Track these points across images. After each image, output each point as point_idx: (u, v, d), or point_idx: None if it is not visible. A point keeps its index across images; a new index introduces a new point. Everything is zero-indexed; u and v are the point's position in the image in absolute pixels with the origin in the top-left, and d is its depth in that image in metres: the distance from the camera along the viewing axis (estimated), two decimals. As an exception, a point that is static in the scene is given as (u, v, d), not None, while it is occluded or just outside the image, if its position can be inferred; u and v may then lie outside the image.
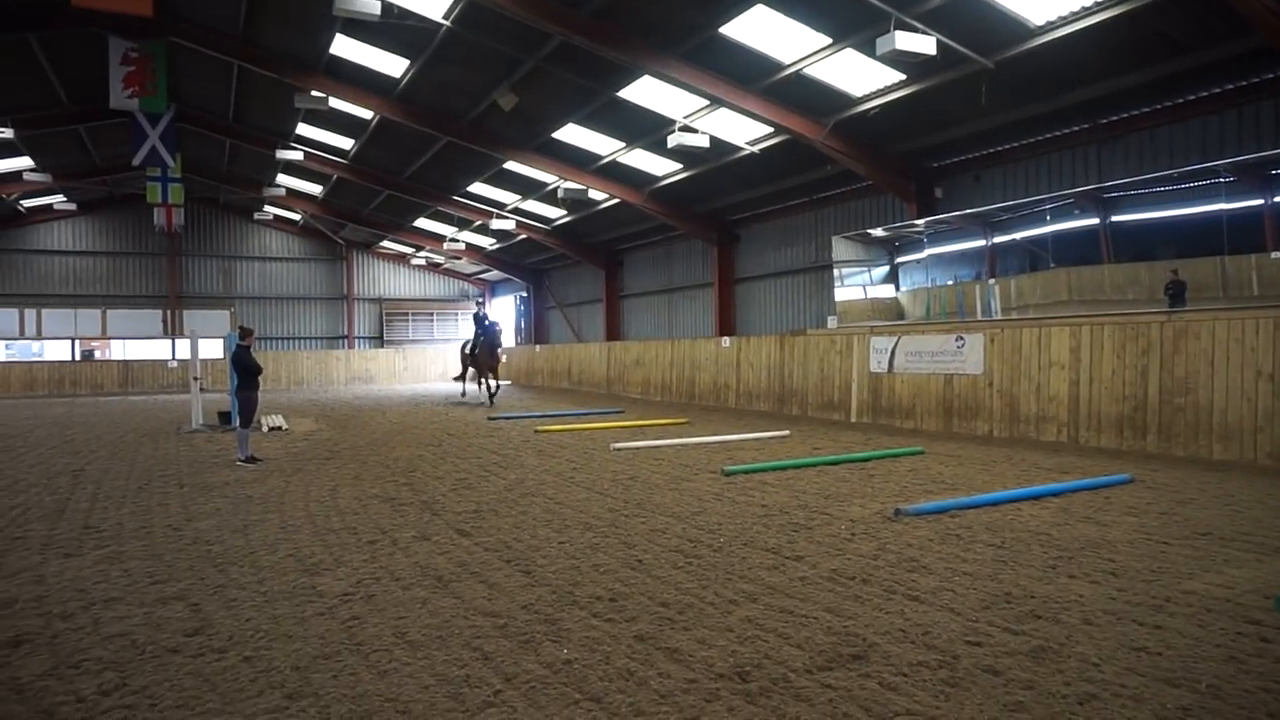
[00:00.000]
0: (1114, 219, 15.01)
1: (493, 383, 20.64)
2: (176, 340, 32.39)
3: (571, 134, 21.41)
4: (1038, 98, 14.46)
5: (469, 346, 21.60)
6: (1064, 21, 12.30)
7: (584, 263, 32.92)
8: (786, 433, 12.93)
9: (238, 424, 11.39)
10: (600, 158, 22.53)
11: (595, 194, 24.79)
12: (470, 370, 22.09)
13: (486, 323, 20.87)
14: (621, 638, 4.09)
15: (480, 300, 24.49)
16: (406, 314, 41.03)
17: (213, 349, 18.73)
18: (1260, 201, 12.74)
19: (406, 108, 21.10)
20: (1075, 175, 15.37)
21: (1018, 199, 16.08)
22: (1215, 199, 13.37)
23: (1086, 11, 11.95)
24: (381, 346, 38.68)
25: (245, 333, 11.55)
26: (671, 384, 20.75)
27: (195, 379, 15.49)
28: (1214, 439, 9.43)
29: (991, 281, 17.23)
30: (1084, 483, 7.89)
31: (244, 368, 11.10)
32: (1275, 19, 10.26)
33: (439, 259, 39.62)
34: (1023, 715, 3.20)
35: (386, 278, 40.90)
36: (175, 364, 30.25)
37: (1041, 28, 12.62)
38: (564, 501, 7.63)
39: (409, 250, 38.73)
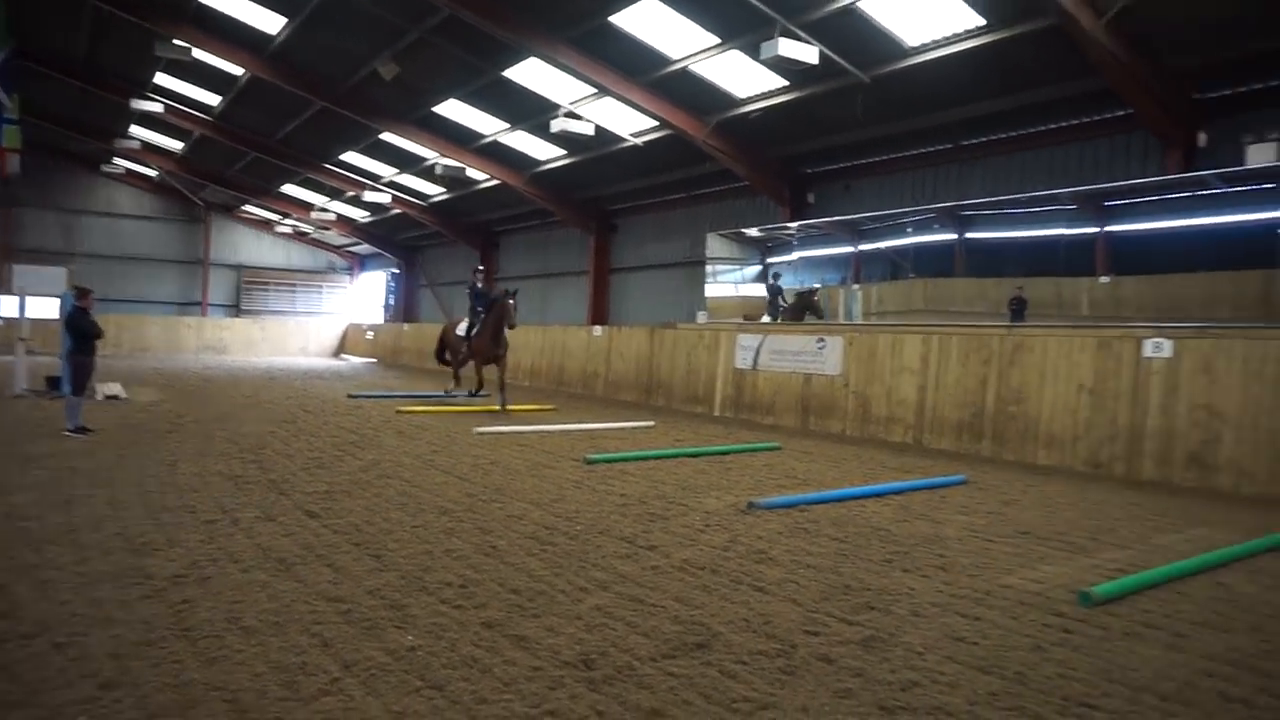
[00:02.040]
0: (969, 236, 15.97)
1: (494, 374, 14.93)
2: (2, 297, 29.76)
3: (454, 110, 20.94)
4: (908, 115, 15.18)
5: (467, 327, 15.39)
6: (936, 45, 12.95)
7: (460, 242, 32.29)
8: (651, 423, 13.11)
9: (68, 391, 10.57)
10: (482, 137, 22.14)
11: (475, 173, 24.35)
12: (456, 356, 16.26)
13: (491, 295, 15.40)
14: (469, 624, 4.05)
15: (479, 269, 16.45)
16: (267, 284, 39.10)
17: (46, 308, 17.09)
18: (1094, 229, 13.84)
19: (280, 67, 20.08)
20: (937, 192, 16.21)
21: (884, 210, 16.83)
22: (1057, 224, 14.44)
23: (956, 38, 12.62)
24: (238, 316, 36.70)
25: (82, 293, 10.73)
26: (541, 370, 20.65)
27: (21, 340, 14.27)
28: (1040, 445, 10.19)
29: (855, 287, 18.00)
30: (923, 482, 8.37)
31: (79, 331, 10.31)
32: (1116, 63, 11.12)
33: (306, 228, 37.97)
34: (850, 701, 3.36)
35: (248, 244, 38.85)
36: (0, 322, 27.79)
37: (915, 49, 13.24)
38: (421, 485, 7.48)
39: (274, 217, 36.92)
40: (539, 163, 22.96)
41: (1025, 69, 12.79)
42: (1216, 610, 4.67)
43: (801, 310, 16.72)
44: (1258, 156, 10.73)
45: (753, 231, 19.55)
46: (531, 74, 17.71)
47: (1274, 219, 11.63)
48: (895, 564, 5.39)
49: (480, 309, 15.10)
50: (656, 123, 18.17)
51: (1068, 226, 14.25)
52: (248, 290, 38.55)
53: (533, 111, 19.59)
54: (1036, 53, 12.26)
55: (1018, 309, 13.85)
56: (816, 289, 17.13)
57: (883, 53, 13.53)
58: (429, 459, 8.92)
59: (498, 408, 14.02)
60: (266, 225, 38.31)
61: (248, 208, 36.76)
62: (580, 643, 3.85)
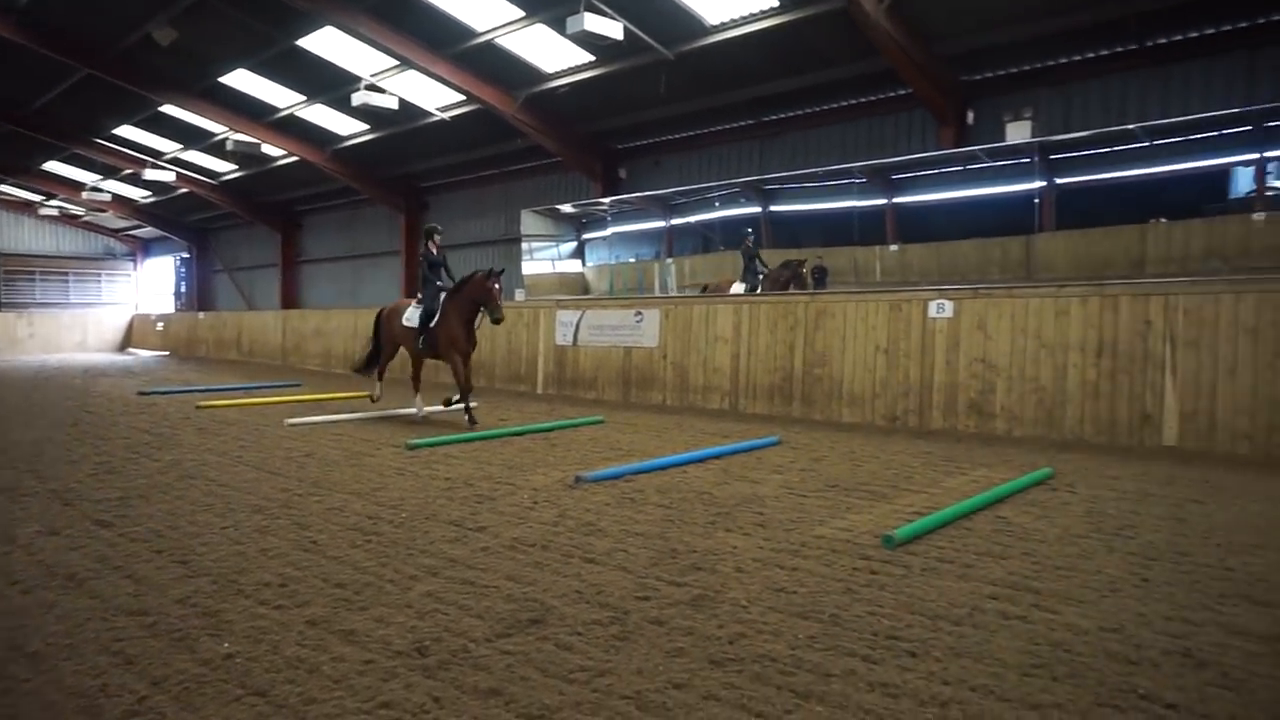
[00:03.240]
0: (773, 209, 16.75)
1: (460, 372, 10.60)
2: None
3: (243, 80, 19.52)
4: (711, 92, 15.67)
5: (422, 314, 10.80)
6: (735, 24, 13.41)
7: (258, 223, 30.28)
8: (474, 405, 12.92)
9: None
10: (276, 110, 20.79)
11: (271, 149, 22.86)
12: (383, 352, 11.82)
13: (444, 272, 10.91)
14: (292, 625, 3.86)
15: (435, 230, 11.21)
16: (33, 272, 35.12)
17: None
18: (883, 201, 14.90)
19: (32, 28, 17.89)
20: (741, 166, 16.87)
21: (692, 185, 17.34)
22: (851, 197, 15.43)
23: (754, 18, 13.12)
24: (-1, 309, 32.75)
25: None
26: (356, 356, 19.80)
27: None
28: (844, 404, 10.93)
29: (669, 260, 18.47)
30: (740, 445, 8.77)
31: None
32: (895, 46, 11.96)
33: (77, 210, 34.27)
34: (683, 659, 3.50)
35: (6, 229, 34.63)
36: None
37: (716, 26, 13.66)
38: (229, 483, 7.02)
39: (36, 198, 33.06)
40: (341, 138, 21.88)
41: (817, 49, 13.52)
42: (997, 541, 5.22)
43: (786, 281, 14.49)
44: (1015, 134, 11.92)
45: (567, 208, 19.60)
46: (328, 44, 16.80)
47: (1031, 190, 12.98)
48: (718, 525, 5.63)
49: (440, 285, 10.68)
50: (464, 97, 17.78)
51: (860, 199, 15.27)
52: (9, 281, 34.44)
53: (332, 84, 18.62)
54: (826, 34, 12.98)
55: (819, 277, 14.73)
56: (804, 260, 14.75)
57: (685, 30, 13.88)
58: (237, 455, 8.38)
59: (466, 419, 10.41)
60: (28, 207, 34.28)
61: (3, 188, 32.70)
62: (412, 631, 3.77)
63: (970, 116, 12.93)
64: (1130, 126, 11.75)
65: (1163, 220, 11.86)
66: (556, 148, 18.52)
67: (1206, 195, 11.94)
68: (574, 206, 19.51)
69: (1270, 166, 11.56)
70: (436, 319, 10.58)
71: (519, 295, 18.48)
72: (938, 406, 10.11)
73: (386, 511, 6.02)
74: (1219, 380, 8.31)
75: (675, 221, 18.57)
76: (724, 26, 13.56)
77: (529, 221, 19.74)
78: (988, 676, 3.28)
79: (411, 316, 10.98)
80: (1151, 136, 11.97)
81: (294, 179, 25.81)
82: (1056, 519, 5.81)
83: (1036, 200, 12.65)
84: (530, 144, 18.94)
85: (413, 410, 11.58)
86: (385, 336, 11.64)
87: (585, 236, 20.16)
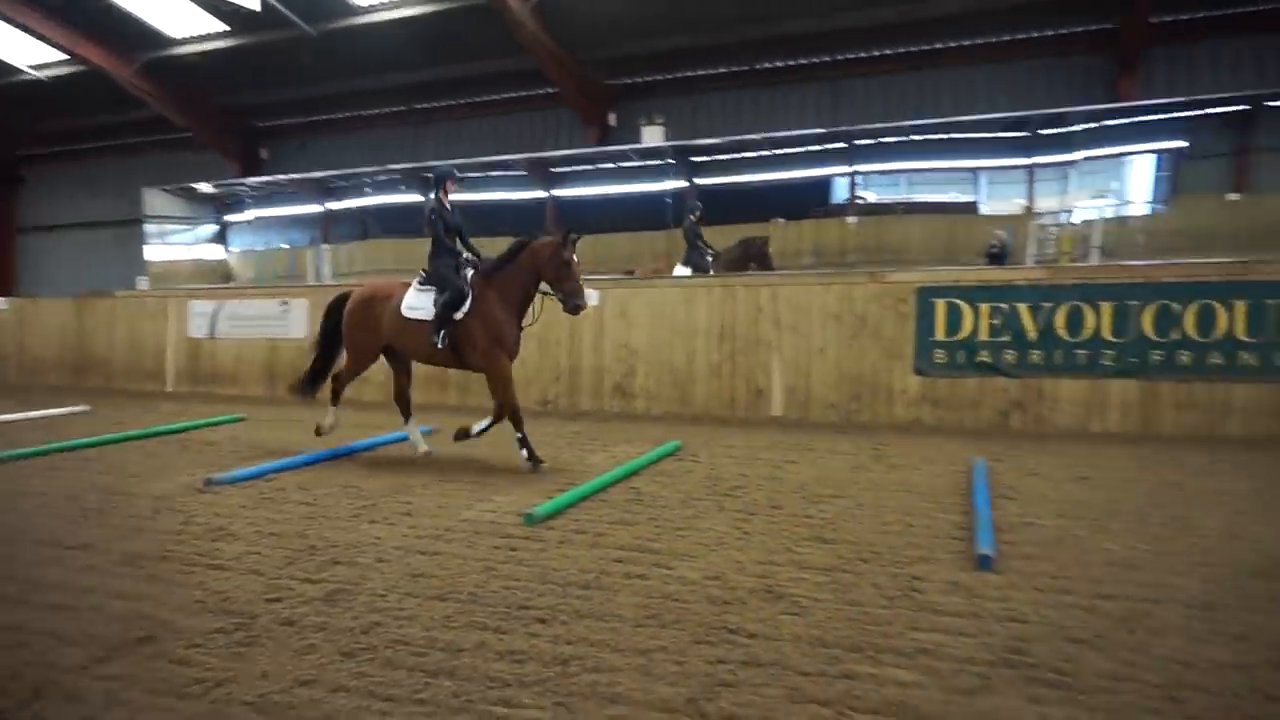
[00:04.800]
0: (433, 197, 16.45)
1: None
2: None
3: None
4: (362, 74, 15.13)
5: (445, 301, 7.24)
6: (382, 7, 13.07)
7: None
8: (87, 408, 11.33)
9: None
10: None
11: None
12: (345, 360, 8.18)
13: (462, 239, 7.60)
14: None
15: (451, 174, 7.58)
16: None
17: None
18: (544, 194, 15.36)
19: None
20: (397, 153, 16.48)
21: (346, 169, 16.59)
22: (511, 189, 15.72)
23: (400, 3, 12.87)
24: None
25: None
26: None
27: None
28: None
29: (325, 247, 17.53)
30: (395, 436, 8.62)
31: None
32: (541, 47, 12.42)
33: None
34: (313, 656, 3.42)
35: None
36: None
37: (363, 8, 13.21)
38: None
39: None
40: (-108, 91, 17.91)
41: (466, 42, 13.61)
42: (628, 510, 5.70)
43: (745, 261, 12.39)
44: (649, 137, 12.96)
45: (205, 188, 17.78)
46: None
47: (675, 189, 14.15)
48: (363, 517, 5.53)
49: (468, 260, 7.48)
50: (66, 55, 15.40)
51: (520, 191, 15.61)
52: None
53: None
54: (476, 27, 13.12)
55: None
56: (766, 238, 12.73)
57: (329, 7, 13.25)
58: None
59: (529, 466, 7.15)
60: None
61: None
62: (-15, 669, 3.28)
63: (612, 118, 13.81)
64: (749, 137, 13.31)
65: (781, 220, 13.58)
66: (185, 121, 16.74)
67: (815, 200, 13.88)
68: (215, 187, 17.75)
69: (859, 179, 13.74)
70: (468, 306, 7.24)
71: (142, 283, 16.45)
72: (586, 389, 10.73)
73: (-43, 537, 5.11)
74: (812, 359, 9.74)
75: (332, 206, 17.64)
76: (371, 9, 13.17)
77: (155, 201, 17.60)
78: (607, 632, 3.61)
79: (419, 304, 7.39)
80: (772, 146, 13.64)
81: None
82: (680, 485, 6.48)
83: (670, 200, 13.85)
84: (155, 114, 16.92)
85: (412, 442, 7.93)
86: (357, 338, 7.81)
87: (228, 219, 18.44)
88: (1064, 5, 12.04)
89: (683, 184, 13.92)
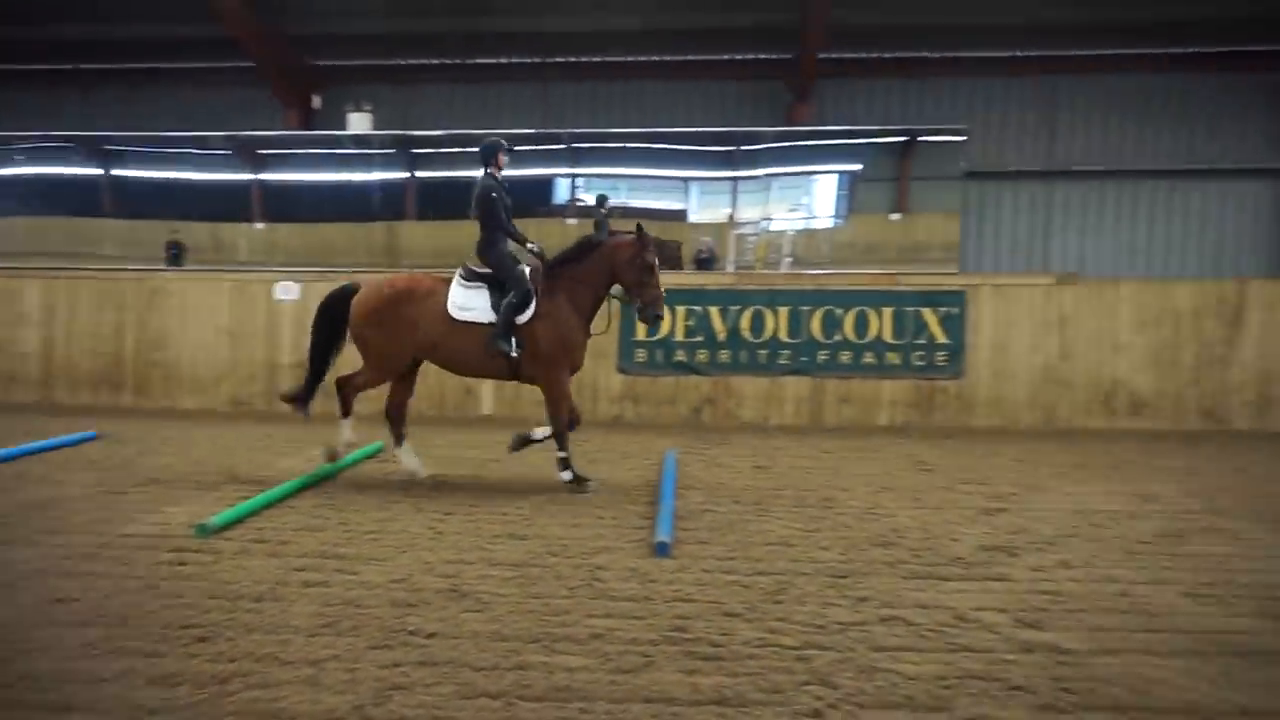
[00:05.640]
0: (116, 173, 14.50)
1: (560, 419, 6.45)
2: None
3: None
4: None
5: (511, 302, 6.12)
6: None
7: None
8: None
9: None
10: None
11: None
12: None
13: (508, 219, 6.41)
14: None
15: (501, 145, 6.42)
16: None
17: None
18: (251, 177, 14.03)
19: None
20: (61, 119, 14.38)
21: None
22: (212, 169, 14.19)
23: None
24: None
25: None
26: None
27: None
28: (185, 390, 10.21)
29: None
30: (44, 444, 7.56)
31: None
32: (235, 15, 11.48)
33: None
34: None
35: None
36: None
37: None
38: None
39: None
40: None
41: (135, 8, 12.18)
42: (317, 515, 5.46)
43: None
44: (356, 124, 12.43)
45: None
46: None
47: (397, 179, 13.58)
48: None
49: (533, 251, 6.44)
50: None
51: (223, 172, 14.19)
52: None
53: None
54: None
55: (175, 253, 13.39)
56: (679, 242, 12.52)
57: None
58: None
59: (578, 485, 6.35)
60: None
61: None
62: None
63: (317, 101, 13.06)
64: (462, 132, 13.17)
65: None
66: None
67: (538, 200, 13.97)
68: None
69: (580, 182, 14.07)
70: (539, 307, 6.23)
71: None
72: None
73: None
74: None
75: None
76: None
77: None
78: (276, 645, 3.43)
79: (472, 303, 6.25)
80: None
81: None
82: (378, 488, 6.30)
83: (379, 192, 13.34)
84: None
85: (411, 468, 6.62)
86: (382, 344, 6.35)
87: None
88: (747, 34, 13.19)
89: (403, 175, 13.49)
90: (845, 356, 9.81)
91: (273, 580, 4.19)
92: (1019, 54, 13.49)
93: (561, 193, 14.24)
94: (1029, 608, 4.00)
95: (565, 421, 6.36)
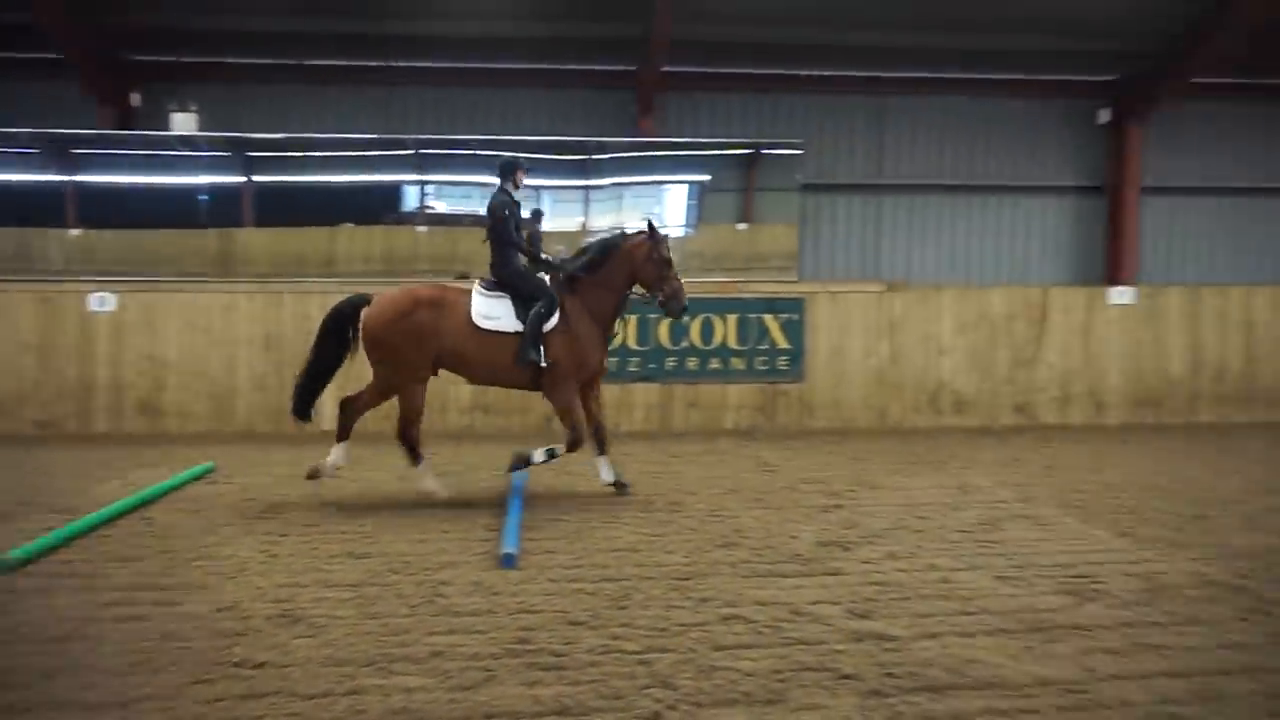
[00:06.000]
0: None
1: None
2: None
3: None
4: None
5: (537, 312, 6.13)
6: None
7: None
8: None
9: None
10: None
11: None
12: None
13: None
14: None
15: (519, 163, 6.38)
16: None
17: None
18: (65, 179, 12.81)
19: None
20: None
21: None
22: (15, 169, 12.86)
23: None
24: None
25: None
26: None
27: None
28: (-17, 414, 9.27)
29: None
30: None
31: None
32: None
33: None
34: None
35: None
36: None
37: None
38: None
39: None
40: None
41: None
42: (135, 544, 5.07)
43: None
44: (182, 125, 11.66)
45: None
46: None
47: (233, 184, 12.78)
48: None
49: (550, 262, 6.65)
50: None
51: (30, 172, 12.91)
52: None
53: None
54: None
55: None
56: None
57: None
58: None
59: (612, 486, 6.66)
60: None
61: None
62: None
63: (136, 99, 12.17)
64: (300, 135, 12.62)
65: (351, 225, 13.03)
66: None
67: (387, 206, 13.52)
68: None
69: (429, 189, 13.72)
70: (559, 322, 6.26)
71: None
72: (102, 408, 9.33)
73: None
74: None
75: None
76: None
77: None
78: (78, 690, 3.16)
79: (496, 312, 6.23)
80: (331, 147, 13.03)
81: None
82: (206, 512, 5.93)
83: (210, 197, 12.56)
84: None
85: (428, 488, 6.38)
86: (402, 355, 6.12)
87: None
88: (595, 44, 13.32)
89: (239, 180, 12.73)
90: (692, 363, 10.04)
91: (80, 617, 3.87)
92: (853, 73, 14.24)
93: (410, 200, 13.89)
94: (860, 599, 4.21)
95: (582, 428, 6.37)
